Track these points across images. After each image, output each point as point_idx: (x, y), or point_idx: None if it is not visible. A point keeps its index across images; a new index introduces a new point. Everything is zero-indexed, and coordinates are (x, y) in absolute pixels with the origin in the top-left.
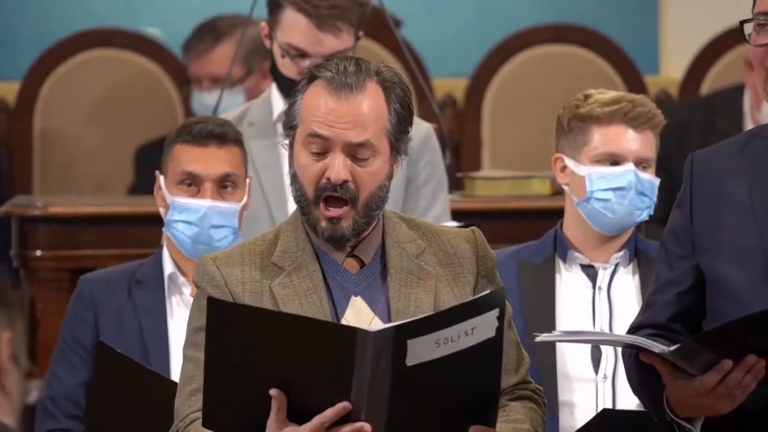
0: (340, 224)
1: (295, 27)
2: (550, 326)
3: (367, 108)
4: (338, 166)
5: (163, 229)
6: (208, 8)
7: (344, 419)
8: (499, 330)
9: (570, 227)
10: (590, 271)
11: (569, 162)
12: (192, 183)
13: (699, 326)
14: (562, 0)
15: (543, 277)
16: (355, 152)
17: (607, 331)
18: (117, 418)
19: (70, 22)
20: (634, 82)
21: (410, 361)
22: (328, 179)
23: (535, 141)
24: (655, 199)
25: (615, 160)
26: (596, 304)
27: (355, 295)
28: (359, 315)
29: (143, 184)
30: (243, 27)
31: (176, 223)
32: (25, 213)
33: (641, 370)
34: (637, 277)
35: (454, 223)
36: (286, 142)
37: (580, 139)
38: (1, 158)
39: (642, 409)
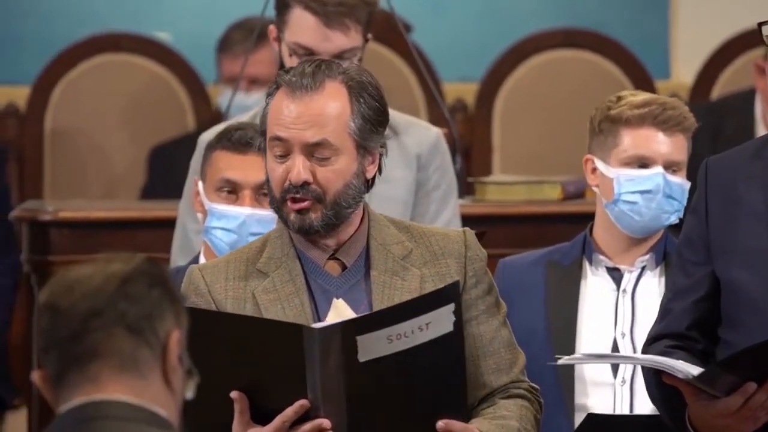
0: (309, 215)
1: (302, 25)
2: (572, 328)
3: (325, 107)
4: (297, 167)
5: (201, 235)
6: (216, 12)
7: (305, 417)
8: (457, 324)
9: (599, 229)
10: (616, 274)
11: (599, 164)
12: (231, 190)
13: (716, 333)
14: (572, 4)
15: (569, 279)
16: (314, 152)
17: (627, 334)
18: None
19: (78, 26)
20: (644, 86)
21: (362, 357)
22: (290, 181)
23: (545, 145)
24: (684, 202)
25: (644, 163)
26: (619, 306)
27: (337, 298)
28: (341, 317)
29: (156, 185)
30: None
31: (215, 230)
32: (36, 218)
33: (660, 387)
34: (663, 279)
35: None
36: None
37: (610, 141)
38: (6, 162)
39: (630, 414)
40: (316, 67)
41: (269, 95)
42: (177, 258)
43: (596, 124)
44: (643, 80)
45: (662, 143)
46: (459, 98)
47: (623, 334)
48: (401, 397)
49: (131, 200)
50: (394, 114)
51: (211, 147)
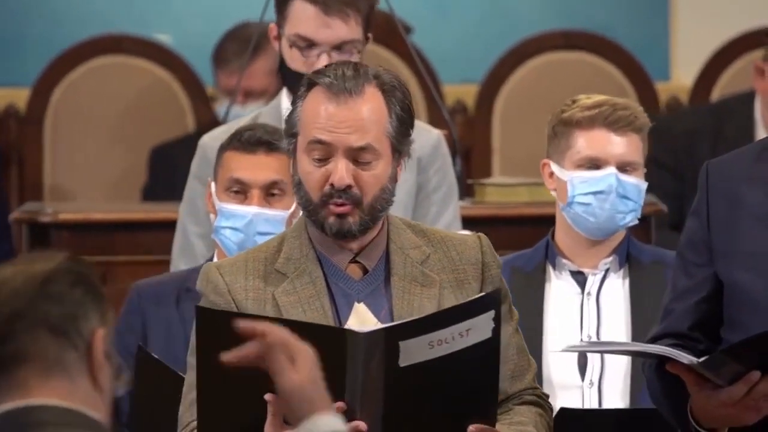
0: (347, 219)
1: (302, 16)
2: (538, 333)
3: (367, 112)
4: (341, 171)
5: (212, 235)
6: (218, 15)
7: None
8: (496, 331)
9: (560, 233)
10: (580, 278)
11: (554, 167)
12: (240, 190)
13: (718, 334)
14: (573, 6)
15: (533, 285)
16: (357, 156)
17: (594, 336)
18: (158, 426)
19: (80, 28)
20: (644, 88)
21: (403, 362)
22: (332, 185)
23: (545, 147)
24: (641, 202)
25: (596, 164)
26: (584, 310)
27: (358, 302)
28: (362, 321)
29: (156, 186)
30: None
31: (223, 230)
32: (36, 219)
33: (663, 380)
34: (627, 282)
35: (466, 232)
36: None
37: (563, 144)
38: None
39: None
40: (354, 71)
41: (300, 97)
42: (178, 261)
43: (551, 127)
44: (643, 82)
45: (614, 144)
46: (459, 100)
47: (589, 337)
48: (436, 401)
49: (131, 202)
50: None
51: (223, 148)
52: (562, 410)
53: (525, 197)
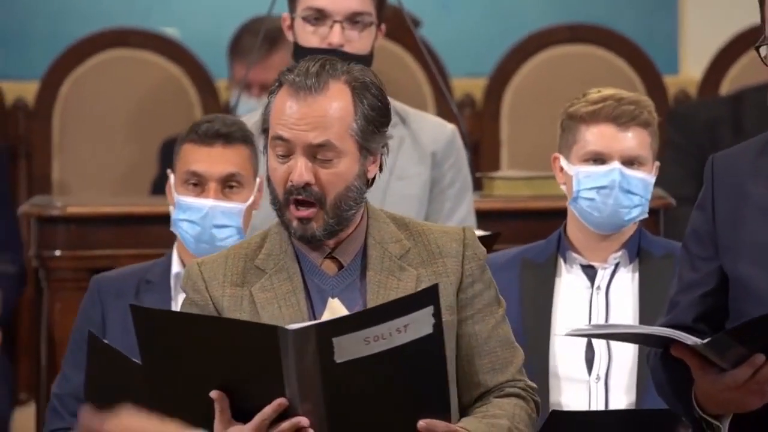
0: (311, 224)
1: None
2: (546, 326)
3: (329, 109)
4: (299, 168)
5: (171, 228)
6: (225, 8)
7: (284, 415)
8: (437, 326)
9: (571, 227)
10: (590, 271)
11: (563, 161)
12: (197, 182)
13: (723, 327)
14: None
15: (543, 277)
16: (316, 153)
17: None
18: (111, 408)
19: (86, 22)
20: (652, 82)
21: (339, 358)
22: (291, 182)
23: (554, 141)
24: (648, 196)
25: (601, 159)
26: (593, 303)
27: (333, 297)
28: (335, 316)
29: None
30: None
31: (181, 222)
32: (44, 213)
33: (668, 368)
34: (637, 275)
35: (480, 232)
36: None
37: (570, 139)
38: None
39: (592, 410)
40: (320, 67)
41: (272, 93)
42: None
43: (560, 121)
44: (651, 75)
45: (618, 139)
46: (467, 93)
47: (595, 323)
48: (382, 397)
49: (139, 196)
50: (407, 109)
51: (182, 140)
52: (554, 413)
53: (533, 190)
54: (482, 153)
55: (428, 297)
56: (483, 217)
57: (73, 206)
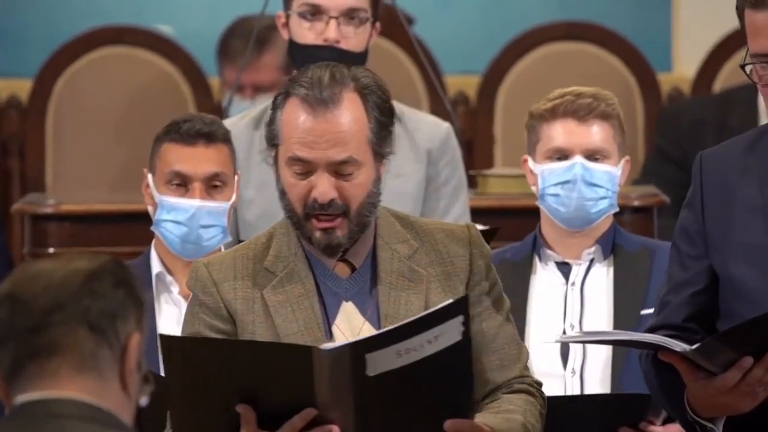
0: (335, 233)
1: None
2: (522, 323)
3: (347, 122)
4: (323, 186)
5: (152, 228)
6: (219, 5)
7: (312, 423)
8: (465, 333)
9: (544, 226)
10: (565, 268)
11: (530, 161)
12: (181, 183)
13: (714, 326)
14: None
15: (519, 275)
16: (338, 169)
17: (576, 326)
18: None
19: (81, 19)
20: (646, 79)
21: (371, 372)
22: (315, 199)
23: None
24: (615, 188)
25: (564, 155)
26: (568, 299)
27: (346, 301)
28: (350, 321)
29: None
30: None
31: (165, 223)
32: (38, 211)
33: (660, 371)
34: (611, 271)
35: (480, 227)
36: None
37: (534, 138)
38: None
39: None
40: (330, 77)
41: (278, 106)
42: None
43: (525, 123)
44: (645, 73)
45: (578, 133)
46: (461, 91)
47: (572, 326)
48: (410, 403)
49: (133, 193)
50: (402, 107)
51: (160, 139)
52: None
53: (527, 188)
54: (476, 151)
55: (459, 307)
56: (477, 214)
57: (66, 204)
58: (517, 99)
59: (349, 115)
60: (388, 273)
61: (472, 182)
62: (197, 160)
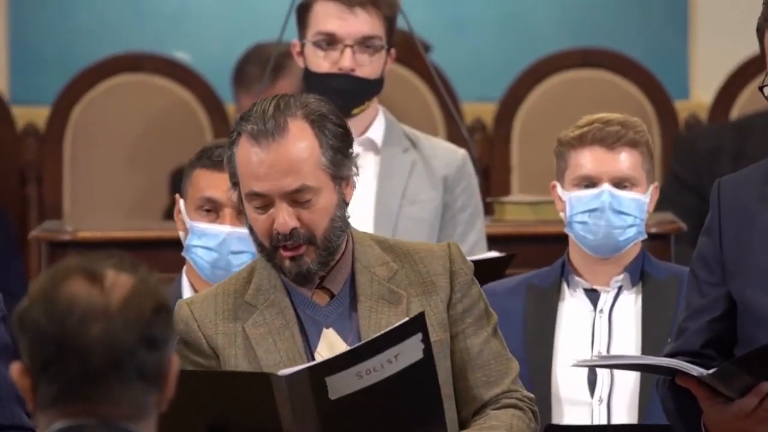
0: (303, 260)
1: (323, 13)
2: (549, 350)
3: (295, 150)
4: (282, 217)
5: (183, 253)
6: (236, 32)
7: None
8: (427, 350)
9: (573, 252)
10: (593, 295)
11: (558, 188)
12: (211, 209)
13: (732, 353)
14: (591, 24)
15: (547, 301)
16: (295, 197)
17: (605, 353)
18: None
19: (98, 46)
20: (663, 106)
21: (333, 395)
22: (277, 231)
23: None
24: (643, 216)
25: (592, 182)
26: (596, 327)
27: (327, 327)
28: (332, 347)
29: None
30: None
31: (195, 248)
32: (55, 238)
33: (677, 397)
34: (640, 298)
35: (494, 253)
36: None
37: (562, 165)
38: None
39: (590, 425)
40: (275, 108)
41: (232, 144)
42: None
43: (554, 149)
44: (661, 100)
45: (606, 160)
46: (478, 118)
47: (600, 353)
48: (379, 424)
49: (150, 220)
50: (417, 134)
51: (192, 165)
52: (549, 427)
53: (544, 215)
54: (493, 177)
55: (415, 325)
56: (493, 242)
57: (83, 231)
58: (534, 126)
59: (297, 143)
60: (367, 297)
61: (488, 209)
62: (227, 186)
